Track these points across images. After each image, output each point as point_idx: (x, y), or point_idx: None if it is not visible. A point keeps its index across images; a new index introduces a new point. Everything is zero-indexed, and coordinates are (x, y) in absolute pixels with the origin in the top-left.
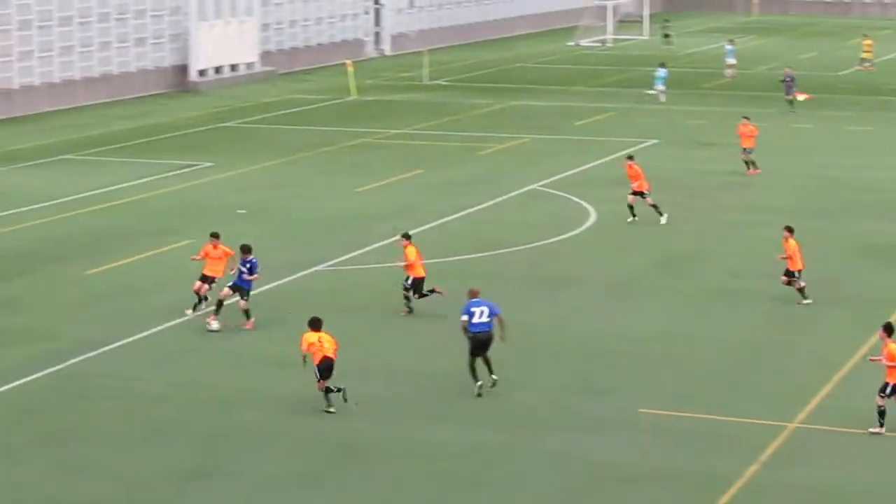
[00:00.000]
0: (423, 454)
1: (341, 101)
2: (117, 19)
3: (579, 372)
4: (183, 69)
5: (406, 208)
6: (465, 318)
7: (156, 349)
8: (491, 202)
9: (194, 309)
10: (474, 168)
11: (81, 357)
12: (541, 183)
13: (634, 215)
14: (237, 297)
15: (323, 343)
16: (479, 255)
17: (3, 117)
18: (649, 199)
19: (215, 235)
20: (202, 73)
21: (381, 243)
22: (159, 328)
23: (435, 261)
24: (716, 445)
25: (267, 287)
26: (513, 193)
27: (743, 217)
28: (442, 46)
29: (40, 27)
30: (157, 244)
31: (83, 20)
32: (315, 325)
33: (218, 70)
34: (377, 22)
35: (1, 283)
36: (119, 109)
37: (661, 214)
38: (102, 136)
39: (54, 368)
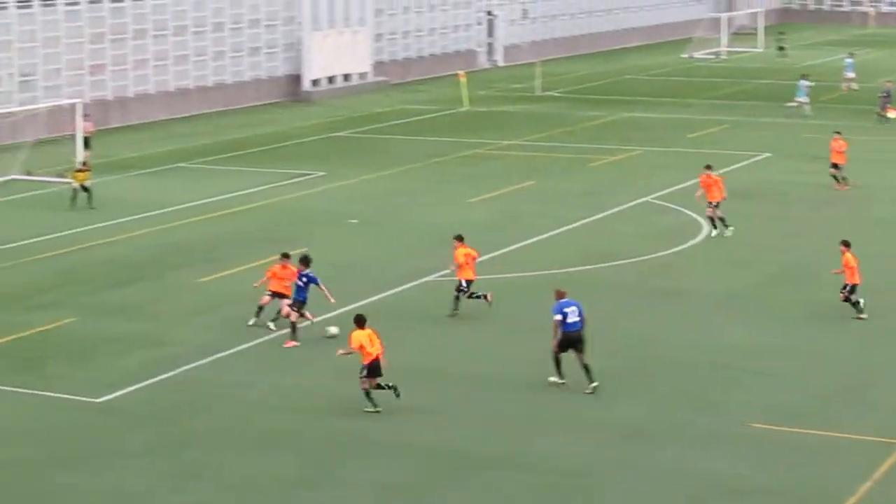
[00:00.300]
0: (532, 467)
1: (454, 111)
2: (232, 29)
3: (689, 384)
4: (296, 79)
5: (517, 219)
6: (558, 317)
7: (269, 357)
8: (602, 214)
9: (256, 317)
10: (586, 180)
11: (195, 364)
12: (652, 195)
13: (715, 227)
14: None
15: (373, 342)
16: (590, 266)
17: (119, 125)
18: (719, 212)
19: (286, 256)
20: (315, 82)
21: (492, 254)
22: (272, 336)
23: (545, 272)
24: (827, 461)
25: (378, 297)
26: (624, 206)
27: (855, 231)
28: (554, 58)
29: (155, 36)
30: (270, 252)
31: (198, 30)
32: (360, 322)
33: (331, 80)
34: (490, 33)
35: (116, 289)
36: (232, 118)
37: (726, 227)
38: (216, 144)
39: (167, 375)
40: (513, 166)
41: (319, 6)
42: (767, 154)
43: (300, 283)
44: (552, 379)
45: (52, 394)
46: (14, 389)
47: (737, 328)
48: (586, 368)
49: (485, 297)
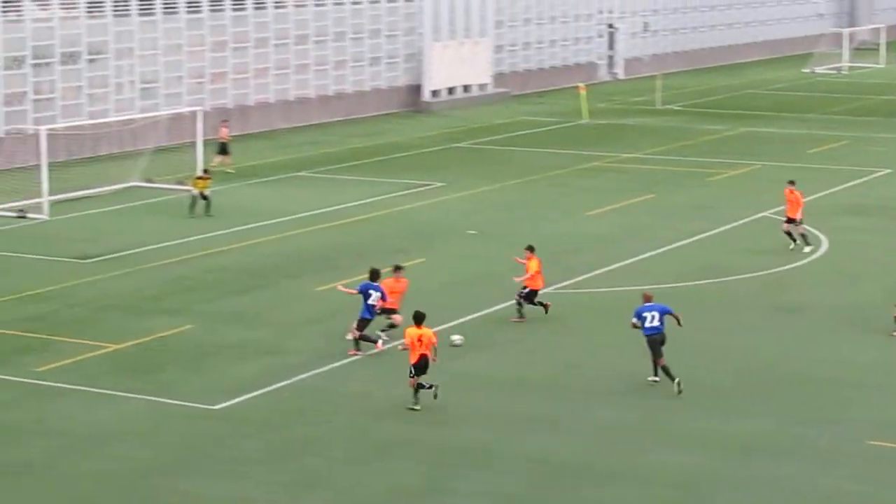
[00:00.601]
0: (651, 479)
1: (573, 124)
2: (353, 38)
3: (807, 400)
4: (416, 89)
5: (636, 232)
6: (634, 320)
7: (387, 365)
8: (721, 228)
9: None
10: (705, 194)
11: (312, 372)
12: (772, 210)
13: (795, 240)
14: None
15: (423, 341)
16: (709, 280)
17: (239, 133)
18: (801, 228)
19: (398, 268)
20: (435, 93)
21: (610, 267)
22: (389, 345)
23: (665, 286)
24: None
25: (496, 308)
26: (742, 220)
27: None
28: (674, 71)
29: (276, 45)
30: (388, 263)
31: (319, 39)
32: (418, 319)
33: (451, 91)
34: (611, 46)
35: (234, 297)
36: (353, 128)
37: (808, 245)
38: (336, 153)
39: (285, 383)
40: (632, 179)
41: (440, 17)
42: (888, 170)
43: (370, 302)
44: (650, 378)
45: (169, 400)
46: (132, 395)
47: (855, 344)
48: (665, 371)
49: (545, 306)
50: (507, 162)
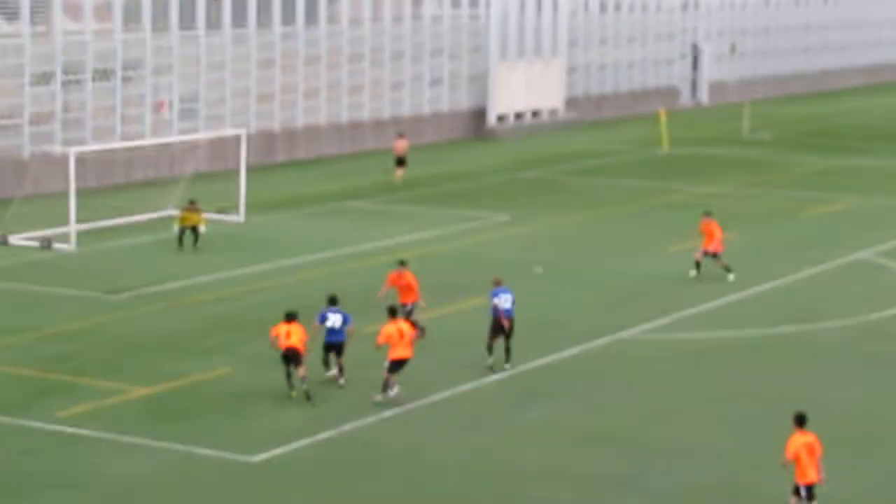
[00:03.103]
0: None
1: (651, 153)
2: (412, 58)
3: None
4: (480, 113)
5: (719, 272)
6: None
7: (446, 414)
8: (814, 270)
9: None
10: (796, 232)
11: (362, 421)
12: (871, 250)
13: (698, 269)
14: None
15: (403, 335)
16: (799, 326)
17: (284, 160)
18: (722, 261)
19: (402, 263)
20: (501, 118)
21: (691, 310)
22: (450, 392)
23: (750, 331)
24: None
25: (566, 353)
26: (838, 261)
27: None
28: (764, 97)
29: (329, 65)
30: (446, 302)
31: (375, 58)
32: (393, 313)
33: (518, 116)
34: (694, 68)
35: None
36: (410, 155)
37: (728, 272)
38: (390, 183)
39: (332, 432)
40: (715, 215)
41: (508, 35)
42: None
43: (329, 325)
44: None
45: (204, 450)
46: (163, 444)
47: None
48: (508, 351)
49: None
50: (579, 194)
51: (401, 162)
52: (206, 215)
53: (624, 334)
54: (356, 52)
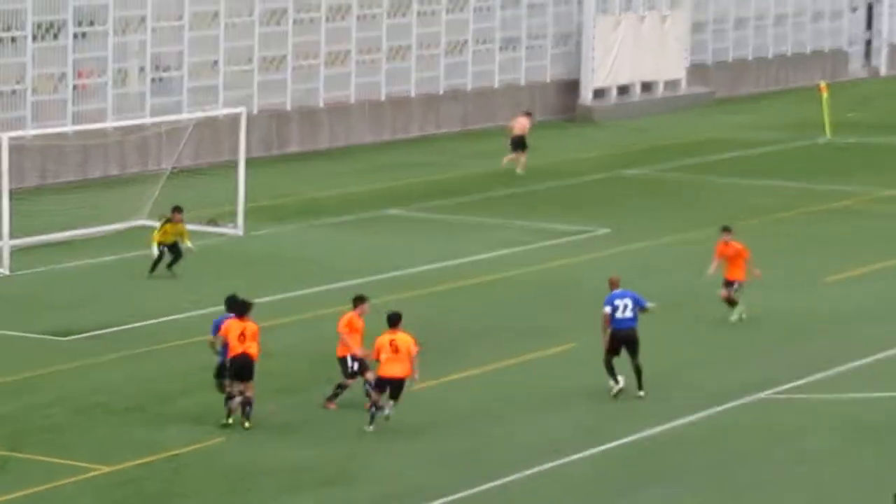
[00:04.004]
0: None
1: (809, 142)
2: (476, 10)
3: None
4: (571, 87)
5: (859, 311)
6: (607, 310)
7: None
8: None
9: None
10: None
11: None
12: None
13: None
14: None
15: (398, 348)
16: None
17: (300, 150)
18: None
19: (361, 300)
20: (599, 93)
21: (867, 359)
22: (535, 469)
23: None
24: None
25: (689, 419)
26: None
27: None
28: None
29: (361, 18)
30: (527, 347)
31: (425, 10)
32: (393, 321)
33: (623, 90)
34: (869, 25)
35: (284, 397)
36: (471, 144)
37: (732, 306)
38: (447, 182)
39: None
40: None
41: None
42: None
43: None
44: (611, 384)
45: None
46: None
47: None
48: (638, 372)
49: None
50: (706, 199)
51: (519, 144)
52: (190, 227)
53: (767, 394)
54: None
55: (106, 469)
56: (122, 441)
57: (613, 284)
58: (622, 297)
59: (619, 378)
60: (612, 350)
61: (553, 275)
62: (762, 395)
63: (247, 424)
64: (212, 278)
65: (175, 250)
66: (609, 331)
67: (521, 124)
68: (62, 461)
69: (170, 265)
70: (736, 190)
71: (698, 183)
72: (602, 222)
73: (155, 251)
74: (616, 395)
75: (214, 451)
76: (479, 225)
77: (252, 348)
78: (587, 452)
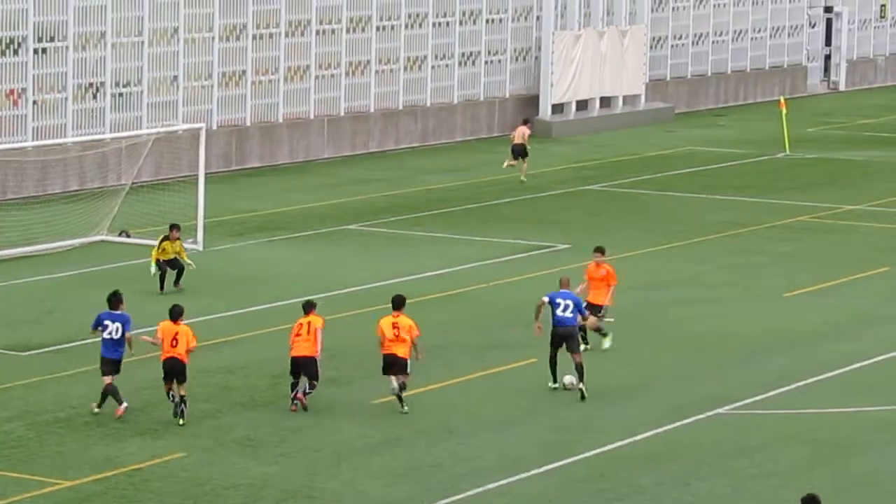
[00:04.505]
0: None
1: (767, 157)
2: (436, 25)
3: None
4: (530, 102)
5: (859, 325)
6: (545, 299)
7: None
8: None
9: None
10: None
11: None
12: None
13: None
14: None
15: (399, 331)
16: None
17: (260, 165)
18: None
19: (310, 306)
20: (559, 108)
21: (817, 377)
22: (497, 483)
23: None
24: None
25: (648, 434)
26: None
27: None
28: None
29: (321, 33)
30: (487, 362)
31: (385, 23)
32: (397, 304)
33: (582, 106)
34: (827, 40)
35: (246, 412)
36: (430, 158)
37: (604, 336)
38: (406, 197)
39: None
40: (857, 243)
41: None
42: None
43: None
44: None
45: None
46: None
47: None
48: (579, 369)
49: None
50: (665, 214)
51: (520, 152)
52: (147, 241)
53: (725, 410)
54: (358, 14)
55: (66, 484)
56: (82, 456)
57: (563, 284)
58: (566, 297)
59: (564, 379)
60: (555, 345)
61: (513, 290)
62: (721, 410)
63: (181, 422)
64: (169, 294)
65: (176, 265)
66: (552, 328)
67: (520, 132)
68: (21, 476)
69: (176, 281)
70: (695, 205)
71: (658, 198)
72: (562, 237)
73: (153, 269)
74: (555, 390)
75: (175, 465)
76: (439, 240)
77: (182, 352)
78: (547, 467)
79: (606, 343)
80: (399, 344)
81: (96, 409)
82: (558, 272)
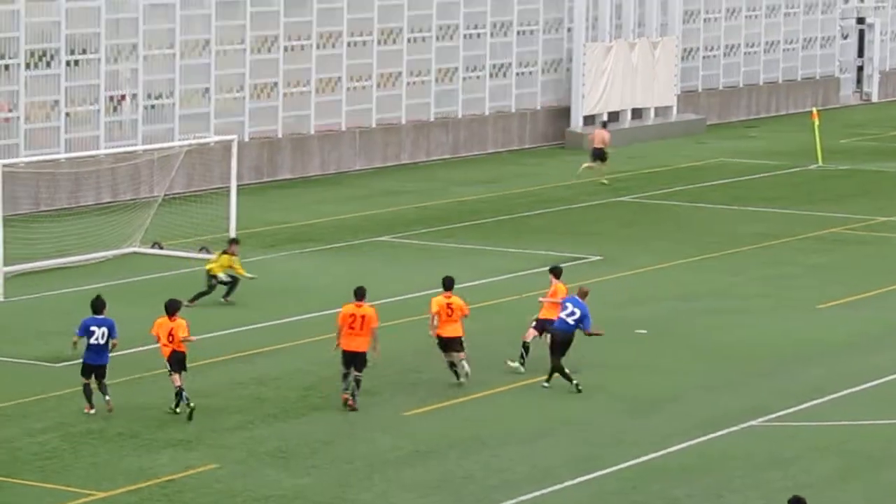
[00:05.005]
0: None
1: (800, 169)
2: (466, 37)
3: None
4: (561, 113)
5: (889, 337)
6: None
7: None
8: None
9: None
10: None
11: None
12: None
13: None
14: None
15: (452, 311)
16: None
17: (291, 177)
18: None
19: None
20: (590, 120)
21: (850, 389)
22: (527, 496)
23: None
24: None
25: (679, 447)
26: None
27: None
28: None
29: (352, 44)
30: (518, 374)
31: (415, 35)
32: (448, 285)
33: (615, 117)
34: (860, 51)
35: (278, 424)
36: (462, 170)
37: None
38: (437, 209)
39: None
40: (890, 254)
41: (600, 6)
42: None
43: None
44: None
45: None
46: None
47: None
48: (553, 370)
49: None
50: (697, 226)
51: (599, 156)
52: (179, 253)
53: (758, 422)
54: (388, 27)
55: (100, 495)
56: (116, 467)
57: (580, 294)
58: (577, 305)
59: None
60: (551, 345)
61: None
62: (753, 422)
63: (178, 410)
64: (203, 305)
65: (228, 280)
66: (551, 328)
67: (600, 136)
68: (56, 487)
69: (226, 295)
70: (727, 216)
71: (690, 210)
72: (594, 249)
73: (223, 277)
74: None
75: (208, 477)
76: (471, 252)
77: (178, 343)
78: (579, 480)
79: (516, 365)
80: (452, 324)
81: (89, 411)
82: (590, 284)
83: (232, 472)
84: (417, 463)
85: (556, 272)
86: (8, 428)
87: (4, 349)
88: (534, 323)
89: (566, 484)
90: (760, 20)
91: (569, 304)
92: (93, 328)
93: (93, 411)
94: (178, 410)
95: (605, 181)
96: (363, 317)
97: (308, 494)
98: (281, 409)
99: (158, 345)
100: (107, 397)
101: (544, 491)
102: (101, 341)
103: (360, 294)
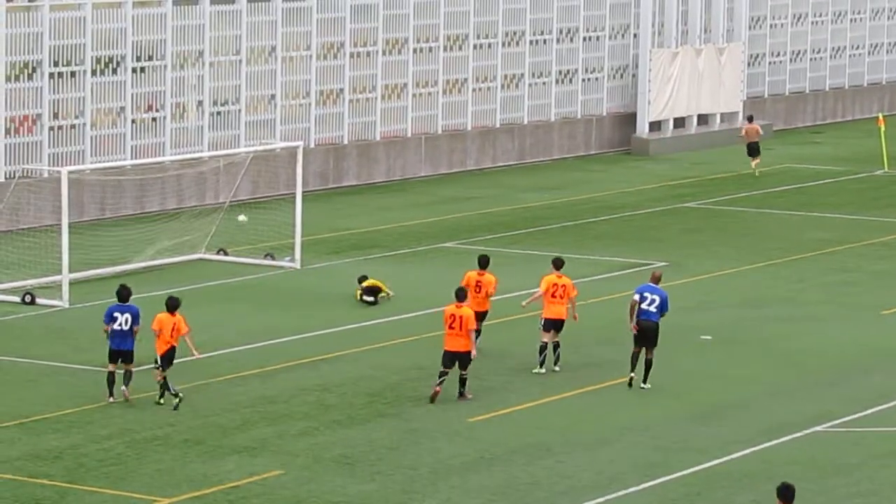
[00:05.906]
0: None
1: (866, 175)
2: (532, 43)
3: None
4: (627, 119)
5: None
6: (635, 297)
7: None
8: None
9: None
10: None
11: None
12: None
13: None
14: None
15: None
16: None
17: (356, 183)
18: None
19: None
20: (656, 126)
21: None
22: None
23: None
24: None
25: (744, 452)
26: None
27: None
28: None
29: (418, 51)
30: (583, 380)
31: (482, 41)
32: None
33: (681, 122)
34: None
35: (343, 430)
36: (527, 177)
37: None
38: (503, 215)
39: None
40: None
41: (667, 10)
42: None
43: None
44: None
45: None
46: None
47: None
48: (647, 365)
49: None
50: (762, 232)
51: (754, 149)
52: (247, 261)
53: (822, 428)
54: (455, 33)
55: (164, 501)
56: (180, 473)
57: (654, 279)
58: (653, 291)
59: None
60: (637, 341)
61: (610, 308)
62: (818, 428)
63: (162, 401)
64: (269, 310)
65: (374, 293)
66: (637, 322)
67: (754, 130)
68: (120, 493)
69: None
70: (792, 223)
71: (755, 216)
72: (660, 255)
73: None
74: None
75: (273, 483)
76: (535, 258)
77: (175, 340)
78: (644, 486)
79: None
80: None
81: (109, 400)
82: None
83: (297, 478)
84: (482, 469)
85: (556, 264)
86: (73, 435)
87: (69, 356)
88: (542, 324)
89: (631, 490)
90: (826, 26)
91: (647, 294)
92: (116, 314)
93: (112, 400)
94: (162, 402)
95: (757, 173)
96: (461, 317)
97: (373, 500)
98: (346, 415)
99: (157, 341)
100: (122, 388)
101: (609, 497)
102: (125, 327)
103: (460, 295)
